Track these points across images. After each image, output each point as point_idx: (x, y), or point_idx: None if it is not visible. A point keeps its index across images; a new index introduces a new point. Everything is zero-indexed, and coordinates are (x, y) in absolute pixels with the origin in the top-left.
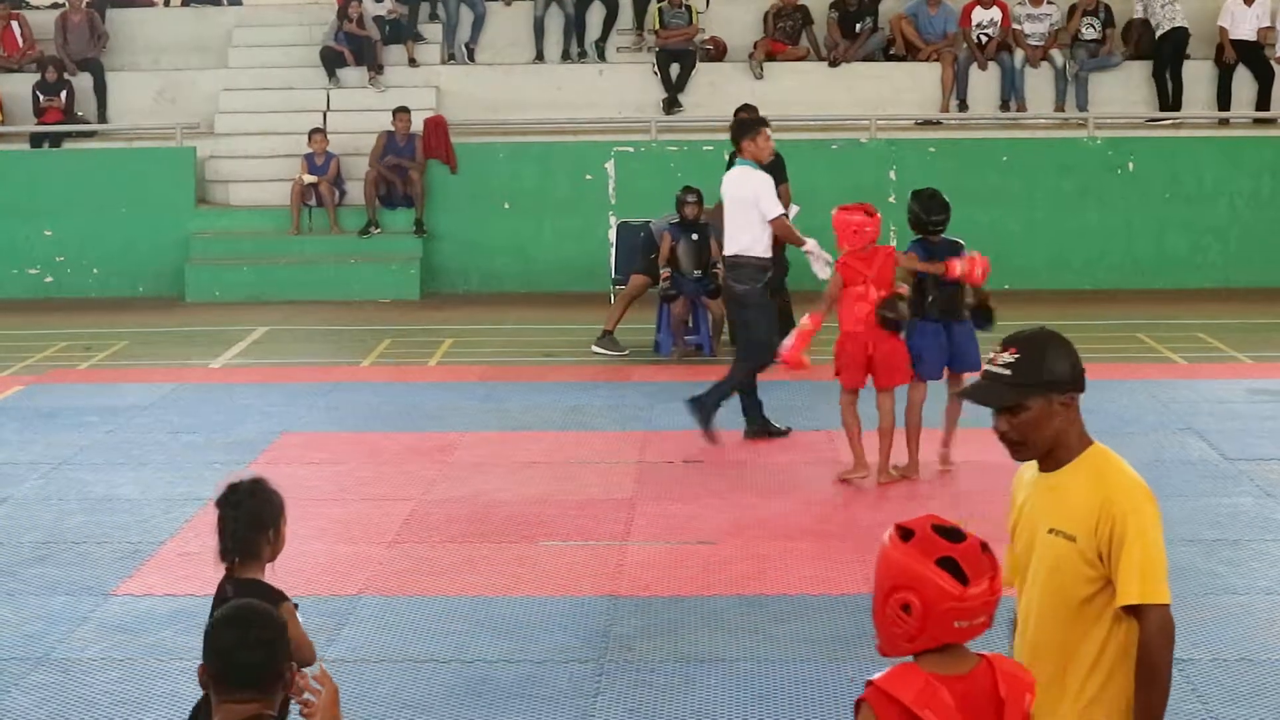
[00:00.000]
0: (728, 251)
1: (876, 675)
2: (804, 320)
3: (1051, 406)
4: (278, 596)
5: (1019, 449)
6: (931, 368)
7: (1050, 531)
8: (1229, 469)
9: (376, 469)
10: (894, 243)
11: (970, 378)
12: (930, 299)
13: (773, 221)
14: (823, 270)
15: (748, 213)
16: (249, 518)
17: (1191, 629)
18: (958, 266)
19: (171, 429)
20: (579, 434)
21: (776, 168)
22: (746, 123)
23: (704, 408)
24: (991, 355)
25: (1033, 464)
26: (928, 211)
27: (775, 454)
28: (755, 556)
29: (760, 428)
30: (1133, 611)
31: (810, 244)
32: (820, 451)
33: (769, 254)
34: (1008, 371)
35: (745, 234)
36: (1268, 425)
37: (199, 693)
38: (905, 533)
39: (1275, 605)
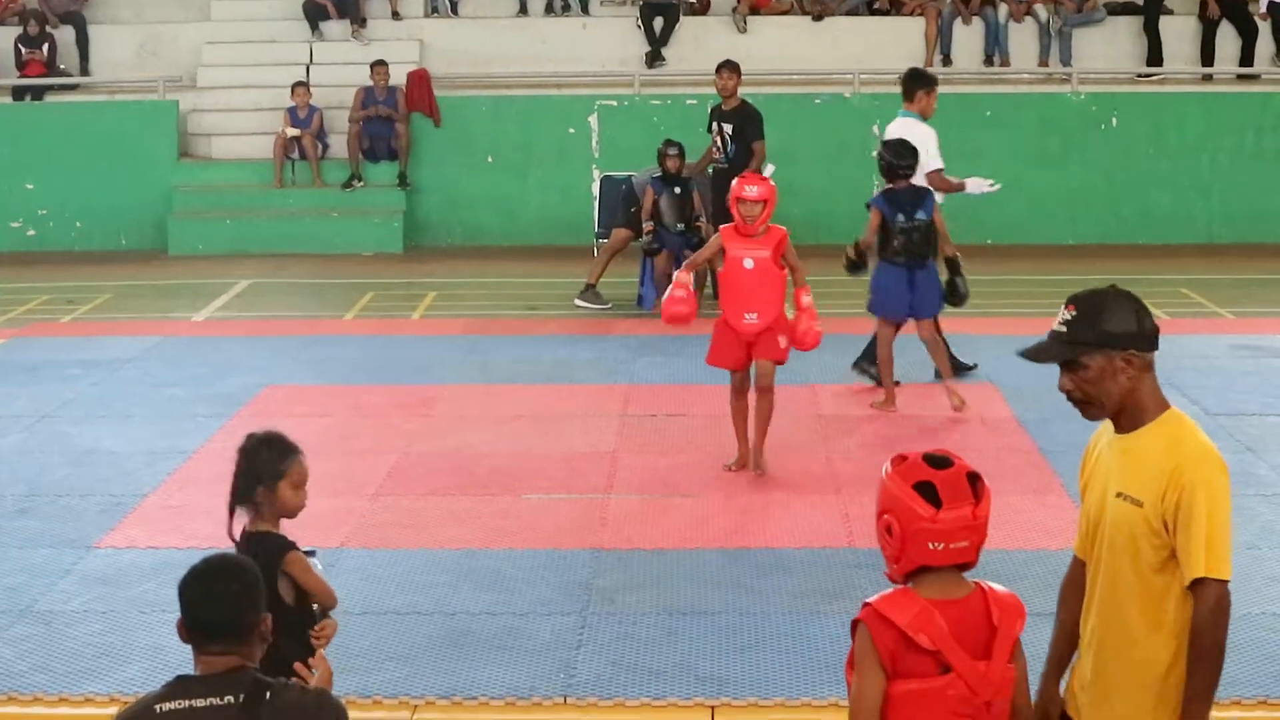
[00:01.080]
0: None
1: (874, 597)
2: (679, 275)
3: (1113, 363)
4: (282, 547)
5: (1085, 407)
6: (895, 308)
7: (1118, 495)
8: (1211, 424)
9: (359, 422)
10: None
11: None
12: (895, 243)
13: (930, 175)
14: (987, 188)
15: None
16: (244, 471)
17: None
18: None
19: (155, 382)
20: (562, 387)
21: (753, 122)
22: (923, 75)
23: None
24: (1058, 314)
25: (1109, 426)
26: (898, 156)
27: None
28: (738, 509)
29: (865, 365)
30: (1200, 588)
31: (970, 183)
32: (803, 406)
33: None
34: (1065, 329)
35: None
36: (1250, 381)
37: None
38: (899, 459)
39: (1256, 560)
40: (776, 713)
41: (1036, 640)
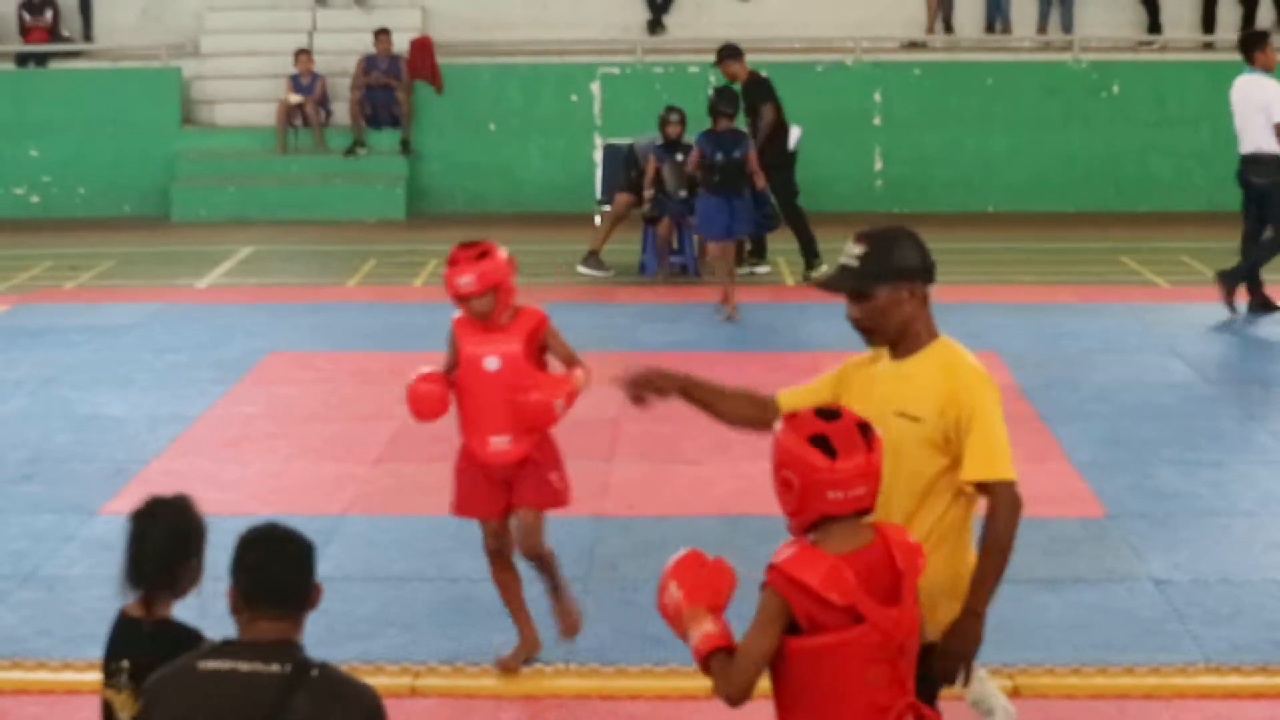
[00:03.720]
0: (1244, 150)
1: (779, 558)
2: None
3: (899, 294)
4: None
5: (870, 335)
6: (717, 229)
7: (898, 415)
8: (1211, 391)
9: (362, 388)
10: (879, 165)
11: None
12: (716, 177)
13: (1277, 125)
14: None
15: (1259, 115)
16: (170, 540)
17: (1172, 550)
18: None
19: (157, 348)
20: None
21: (759, 90)
22: (1254, 35)
23: (1229, 280)
24: (845, 249)
25: (881, 354)
26: (721, 101)
27: (758, 375)
28: (739, 476)
29: (1260, 302)
30: (983, 489)
31: None
32: (803, 372)
33: None
34: (856, 263)
35: (1261, 134)
36: (1249, 348)
37: (184, 612)
38: (790, 417)
39: (1256, 526)
40: None
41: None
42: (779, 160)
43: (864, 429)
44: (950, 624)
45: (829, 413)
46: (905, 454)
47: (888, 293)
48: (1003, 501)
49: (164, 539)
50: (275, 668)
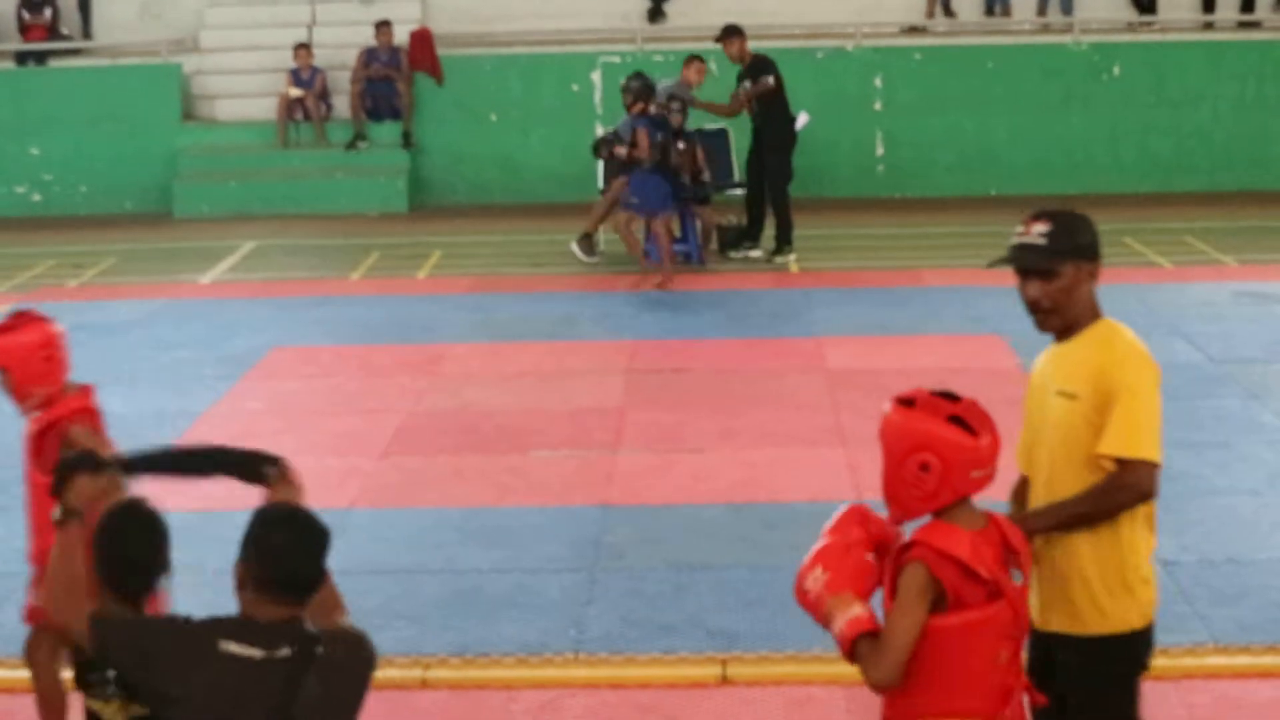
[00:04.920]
0: None
1: (921, 534)
2: None
3: (1081, 273)
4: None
5: (1049, 316)
6: (667, 205)
7: (1058, 393)
8: (1215, 371)
9: (367, 381)
10: (881, 150)
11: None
12: (658, 156)
13: None
14: None
15: None
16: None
17: (1179, 531)
18: None
19: (161, 345)
20: (568, 344)
21: (761, 68)
22: None
23: None
24: (1021, 229)
25: (1046, 354)
26: (644, 86)
27: (762, 361)
28: (744, 464)
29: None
30: (1121, 466)
31: None
32: (807, 359)
33: None
34: (1044, 241)
35: None
36: (1253, 328)
37: (192, 606)
38: (906, 401)
39: (1262, 506)
40: (788, 665)
41: None
42: (781, 142)
43: (983, 408)
44: (1009, 514)
45: (948, 395)
46: (1066, 430)
47: (1073, 271)
48: (1132, 477)
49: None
50: (285, 651)
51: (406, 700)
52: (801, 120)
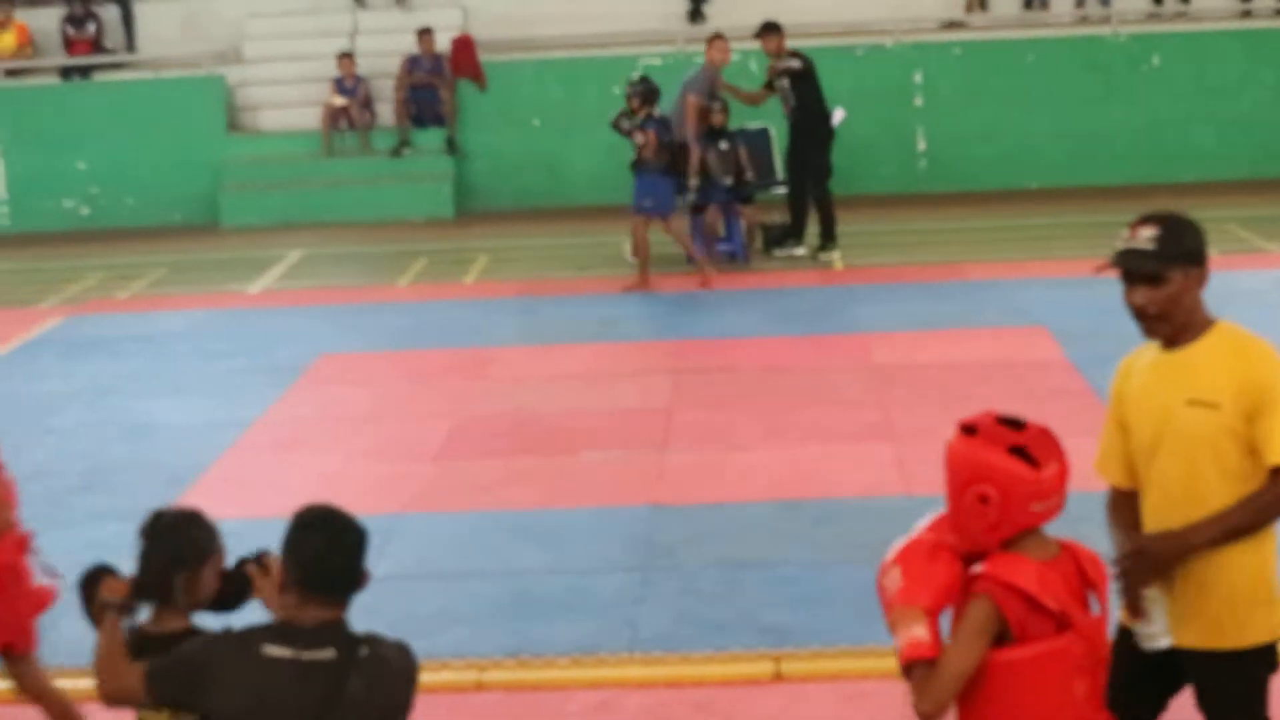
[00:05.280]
0: None
1: (980, 567)
2: None
3: (1189, 279)
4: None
5: (1156, 323)
6: (672, 205)
7: (1191, 403)
8: None
9: (416, 387)
10: (922, 145)
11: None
12: (669, 158)
13: None
14: None
15: None
16: (158, 552)
17: None
18: None
19: (211, 355)
20: (614, 345)
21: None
22: None
23: None
24: (1127, 234)
25: (1142, 353)
26: (649, 89)
27: (808, 358)
28: (792, 461)
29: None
30: (1273, 472)
31: None
32: (853, 355)
33: None
34: (1153, 246)
35: None
36: None
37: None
38: (969, 429)
39: None
40: (841, 660)
41: None
42: (820, 141)
43: (1048, 433)
44: (1162, 530)
45: (1014, 422)
46: (1205, 443)
47: (1181, 277)
48: None
49: (158, 553)
50: (329, 654)
51: (462, 702)
52: (837, 116)
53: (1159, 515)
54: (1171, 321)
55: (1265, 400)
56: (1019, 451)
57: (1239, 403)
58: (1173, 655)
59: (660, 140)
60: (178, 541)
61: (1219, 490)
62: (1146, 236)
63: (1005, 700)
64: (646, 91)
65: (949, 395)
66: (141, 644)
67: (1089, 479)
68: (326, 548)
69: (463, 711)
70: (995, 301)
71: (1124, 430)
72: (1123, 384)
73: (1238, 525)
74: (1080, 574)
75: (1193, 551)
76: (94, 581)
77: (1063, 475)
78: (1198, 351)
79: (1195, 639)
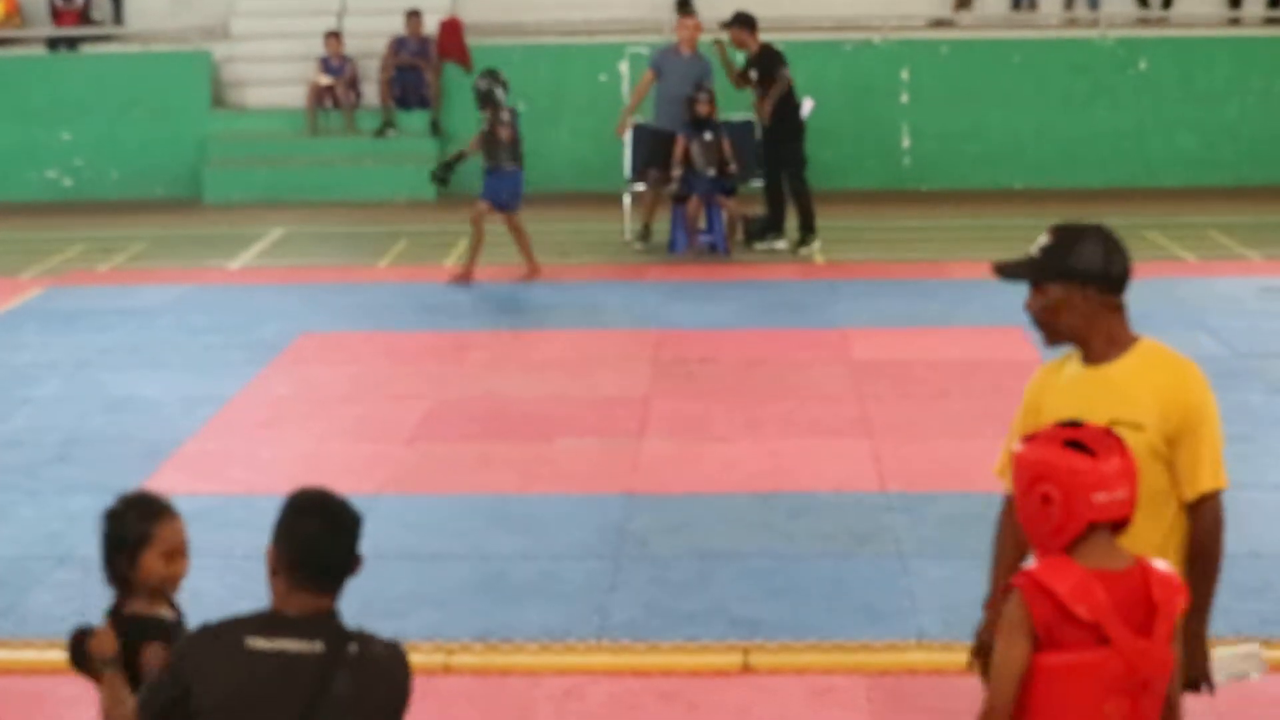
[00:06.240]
0: None
1: (1032, 565)
2: None
3: (1071, 297)
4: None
5: (1043, 330)
6: (519, 200)
7: (1113, 423)
8: (1239, 366)
9: (394, 368)
10: (907, 143)
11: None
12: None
13: None
14: None
15: None
16: (106, 538)
17: None
18: None
19: (191, 330)
20: (594, 332)
21: (772, 60)
22: None
23: None
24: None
25: (1064, 363)
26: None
27: (788, 351)
28: (769, 454)
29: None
30: (1206, 499)
31: None
32: (832, 350)
33: None
34: (1038, 254)
35: None
36: (1277, 323)
37: (219, 590)
38: (1028, 438)
39: None
40: (809, 654)
41: None
42: (792, 133)
43: (1109, 433)
44: (1185, 658)
45: (1071, 424)
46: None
47: (1060, 291)
48: (1212, 515)
49: (104, 539)
50: (317, 646)
51: (430, 685)
52: (806, 107)
53: None
54: (1053, 332)
55: (1188, 423)
56: (1075, 445)
57: (1162, 426)
58: None
59: (512, 133)
60: (114, 526)
61: (1142, 516)
62: (1037, 244)
63: (1030, 707)
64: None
65: (927, 392)
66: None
67: None
68: (320, 534)
69: (429, 695)
70: (976, 301)
71: None
72: (1038, 396)
73: (1212, 589)
74: (1146, 593)
75: (1204, 638)
76: (81, 642)
77: (1128, 469)
78: (1119, 369)
79: None
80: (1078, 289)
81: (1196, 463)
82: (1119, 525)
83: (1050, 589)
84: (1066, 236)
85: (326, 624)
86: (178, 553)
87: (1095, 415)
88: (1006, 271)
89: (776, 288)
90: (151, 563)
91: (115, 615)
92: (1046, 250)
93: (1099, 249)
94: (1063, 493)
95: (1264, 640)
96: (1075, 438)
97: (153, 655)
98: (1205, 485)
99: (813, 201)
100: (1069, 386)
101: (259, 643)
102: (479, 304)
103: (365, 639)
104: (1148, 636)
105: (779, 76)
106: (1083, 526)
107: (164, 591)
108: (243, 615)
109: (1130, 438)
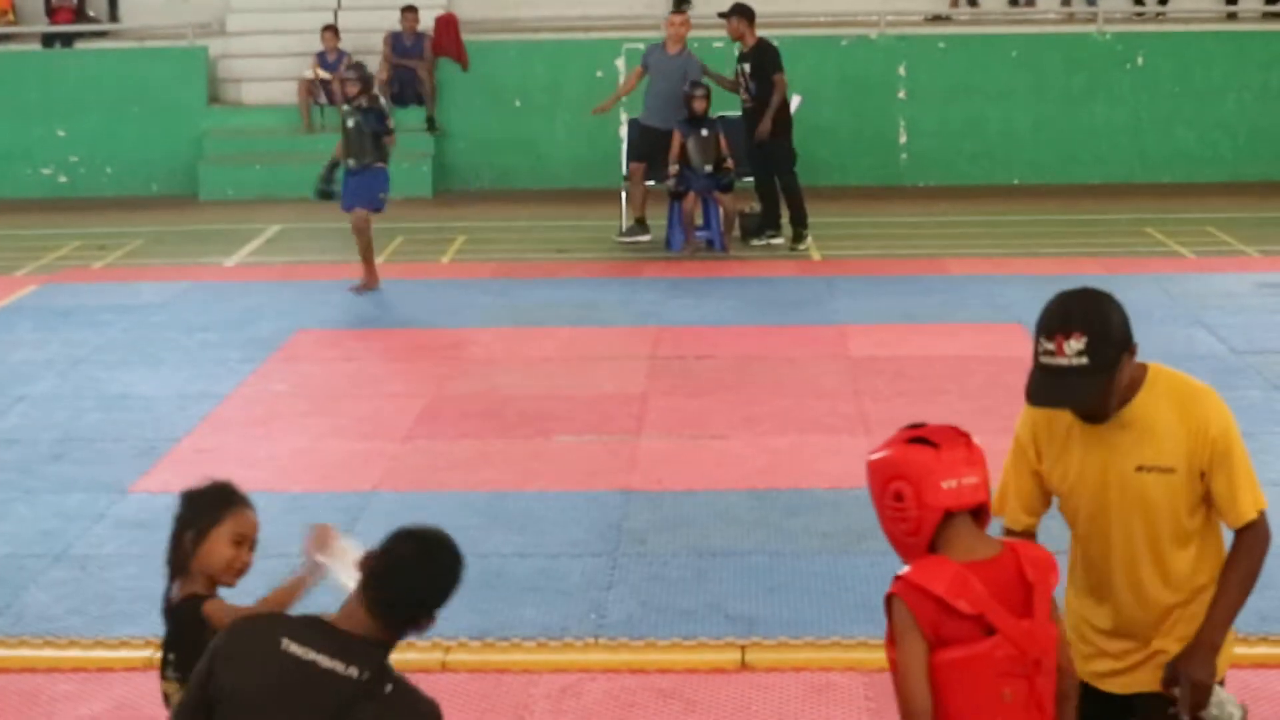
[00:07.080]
0: None
1: (904, 570)
2: None
3: (1127, 363)
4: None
5: (1100, 417)
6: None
7: (1140, 469)
8: (1237, 362)
9: (390, 365)
10: (904, 138)
11: None
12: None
13: None
14: None
15: None
16: (177, 518)
17: None
18: None
19: (186, 327)
20: (591, 329)
21: (770, 58)
22: None
23: None
24: (1051, 348)
25: (1057, 414)
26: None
27: (785, 348)
28: (766, 450)
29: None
30: (1253, 522)
31: None
32: (830, 346)
33: None
34: (1086, 360)
35: None
36: (1275, 319)
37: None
38: (879, 447)
39: None
40: (806, 651)
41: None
42: (780, 127)
43: (955, 429)
44: (1187, 653)
45: (918, 425)
46: (1162, 508)
47: (1118, 373)
48: (1259, 535)
49: (176, 519)
50: (353, 671)
51: (426, 682)
52: (794, 103)
53: (1100, 569)
54: (1112, 408)
55: (1218, 454)
56: (918, 440)
57: (1193, 462)
58: (1128, 701)
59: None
60: (189, 504)
61: (1171, 554)
62: (1074, 350)
63: (934, 704)
64: (365, 78)
65: (924, 389)
66: (165, 615)
67: None
68: (411, 561)
69: (426, 692)
70: (975, 297)
71: (1037, 480)
72: (1042, 439)
73: (1239, 602)
74: (1020, 575)
75: (1218, 649)
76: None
77: (971, 456)
78: (1139, 410)
79: (1156, 683)
80: (1128, 356)
81: (1234, 491)
82: (979, 514)
83: (928, 589)
84: (1095, 318)
85: (371, 654)
86: (246, 540)
87: (1124, 464)
88: (1072, 400)
89: (774, 284)
90: (219, 544)
91: (171, 604)
92: (1093, 347)
93: (1115, 305)
94: (912, 486)
95: (1264, 638)
96: (918, 435)
97: (215, 608)
98: (1249, 513)
99: (803, 197)
100: (1082, 435)
101: (294, 647)
102: (476, 301)
103: (405, 686)
104: (1029, 617)
105: (776, 82)
106: (938, 516)
107: (220, 581)
108: (292, 615)
109: (1160, 482)
